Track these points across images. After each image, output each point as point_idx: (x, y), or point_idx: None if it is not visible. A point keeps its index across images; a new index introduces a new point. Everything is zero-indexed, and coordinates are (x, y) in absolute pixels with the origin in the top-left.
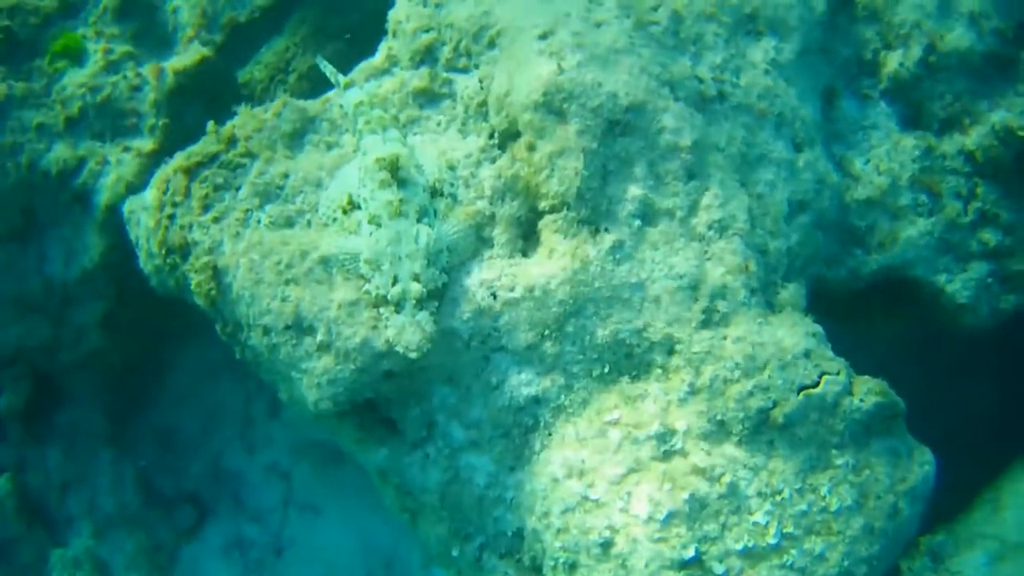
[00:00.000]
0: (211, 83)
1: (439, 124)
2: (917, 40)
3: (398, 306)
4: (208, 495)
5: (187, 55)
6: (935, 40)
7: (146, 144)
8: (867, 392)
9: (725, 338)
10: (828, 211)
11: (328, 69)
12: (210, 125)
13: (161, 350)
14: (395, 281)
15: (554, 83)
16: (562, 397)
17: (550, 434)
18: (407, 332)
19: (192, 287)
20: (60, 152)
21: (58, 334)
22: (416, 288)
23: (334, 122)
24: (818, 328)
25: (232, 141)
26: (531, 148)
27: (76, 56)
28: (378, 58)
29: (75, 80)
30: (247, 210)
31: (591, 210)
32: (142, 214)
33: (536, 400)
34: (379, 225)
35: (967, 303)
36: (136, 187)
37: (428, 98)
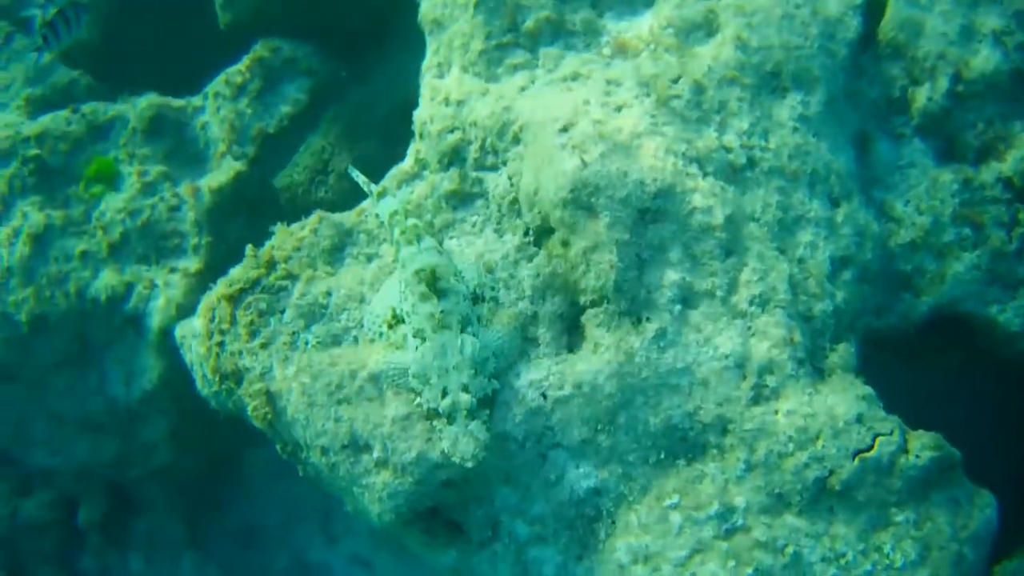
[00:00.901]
0: (249, 194)
1: (474, 225)
2: (943, 71)
3: (450, 418)
4: None
5: (221, 172)
6: (960, 68)
7: (192, 264)
8: (922, 448)
9: (776, 412)
10: (872, 262)
11: (360, 179)
12: (249, 249)
13: (235, 454)
14: (445, 393)
15: (580, 179)
16: (621, 486)
17: (613, 522)
18: (461, 443)
19: (248, 412)
20: (107, 279)
21: (127, 450)
22: (466, 399)
23: (371, 233)
24: (868, 390)
25: (272, 264)
26: (565, 244)
27: (111, 179)
28: (408, 162)
29: (113, 205)
30: (293, 332)
31: (630, 301)
32: (193, 341)
33: (596, 491)
34: (424, 339)
35: (1020, 331)
36: (186, 308)
37: (460, 200)
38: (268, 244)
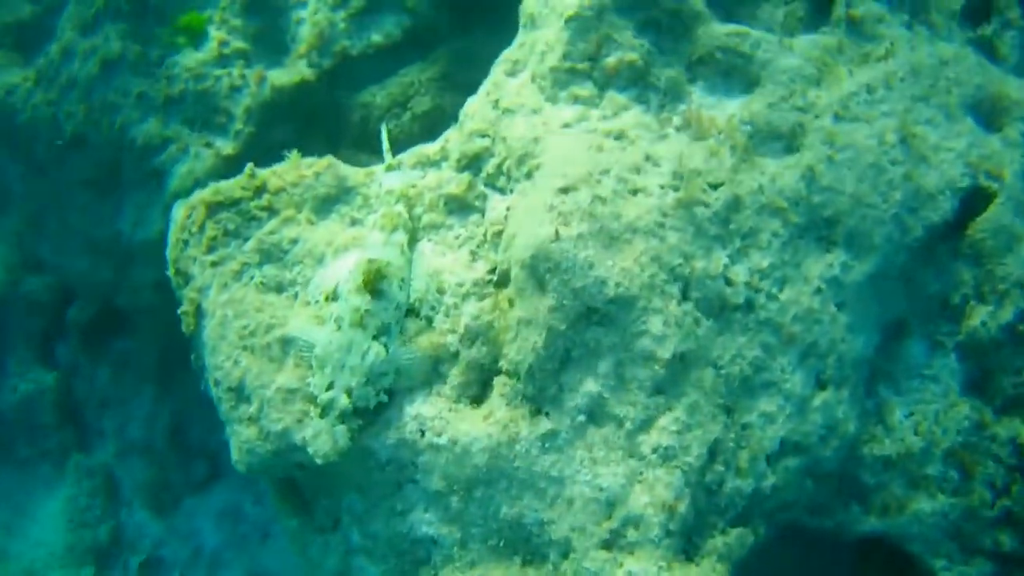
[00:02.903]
0: (308, 105)
1: (457, 238)
2: (1013, 301)
3: (323, 412)
4: (228, 461)
5: (290, 72)
6: None
7: (226, 147)
8: None
9: (620, 566)
10: (829, 461)
11: (384, 143)
12: (248, 167)
13: None
14: (330, 387)
15: (544, 249)
16: (455, 550)
17: (436, 574)
18: (321, 439)
19: (179, 313)
20: (151, 127)
21: (118, 281)
22: (343, 402)
23: (367, 198)
24: None
25: (260, 190)
26: (511, 303)
27: (196, 36)
28: (434, 147)
29: (186, 62)
30: (245, 263)
31: (538, 390)
32: (172, 225)
33: (432, 540)
34: (339, 327)
35: None
36: (202, 184)
37: (459, 206)
38: (269, 170)
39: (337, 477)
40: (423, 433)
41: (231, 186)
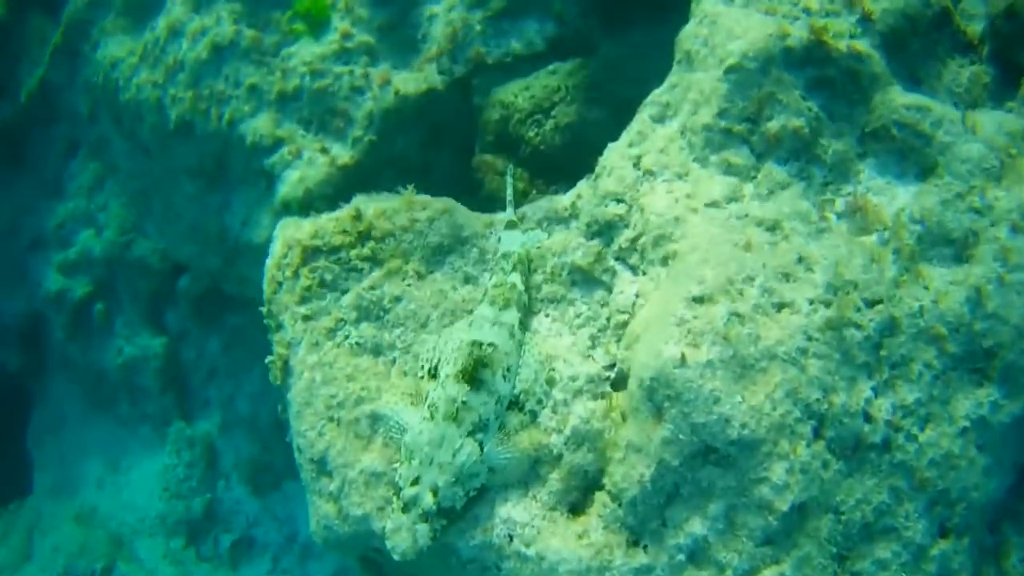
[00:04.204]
0: (435, 116)
1: (578, 316)
2: None
3: (405, 507)
4: None
5: (418, 78)
6: None
7: (343, 154)
8: None
9: None
10: None
11: (509, 190)
12: (351, 208)
13: None
14: (416, 481)
15: (666, 374)
16: None
17: None
18: (400, 535)
19: (267, 363)
20: (262, 124)
21: (227, 271)
22: (428, 501)
23: (484, 252)
24: None
25: (364, 236)
26: (623, 419)
27: (317, 24)
28: (564, 201)
29: (304, 55)
30: (340, 320)
31: (639, 521)
32: (272, 249)
33: None
34: (432, 416)
35: None
36: (314, 195)
37: (583, 279)
38: (377, 208)
39: (417, 566)
40: (511, 539)
41: (332, 228)
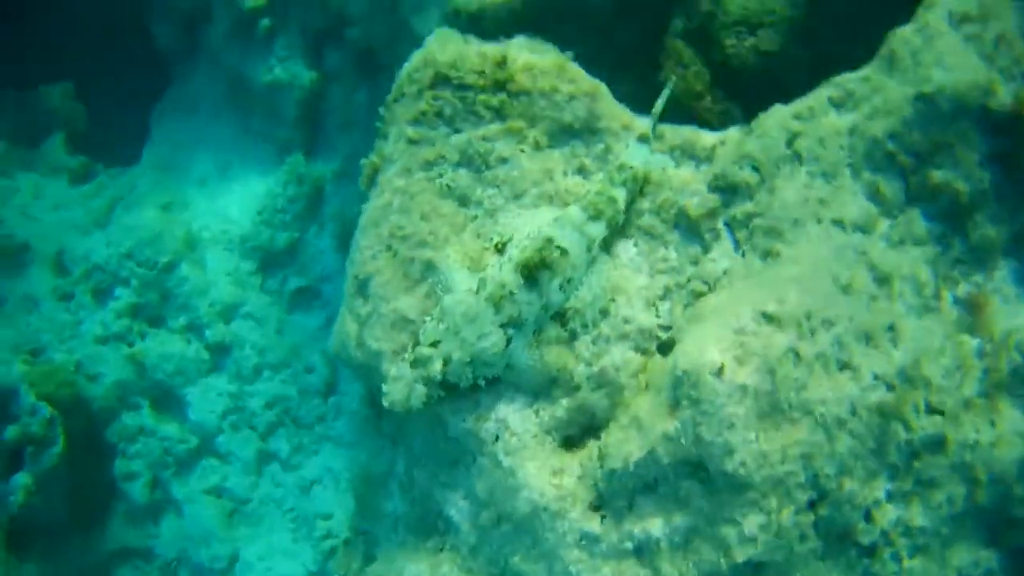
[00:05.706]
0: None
1: (664, 261)
2: None
3: (414, 363)
4: None
5: None
6: None
7: None
8: None
9: None
10: None
11: (660, 101)
12: (500, 50)
13: None
14: (435, 344)
15: (698, 377)
16: (464, 549)
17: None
18: (396, 386)
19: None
20: None
21: (387, 44)
22: (436, 368)
23: (609, 152)
24: None
25: (499, 86)
26: (646, 388)
27: None
28: (708, 139)
29: None
30: (441, 157)
31: (610, 493)
32: (412, 56)
33: (455, 527)
34: (478, 291)
35: None
36: (487, 15)
37: (687, 227)
38: (525, 61)
39: (406, 420)
40: (497, 439)
41: (471, 65)
